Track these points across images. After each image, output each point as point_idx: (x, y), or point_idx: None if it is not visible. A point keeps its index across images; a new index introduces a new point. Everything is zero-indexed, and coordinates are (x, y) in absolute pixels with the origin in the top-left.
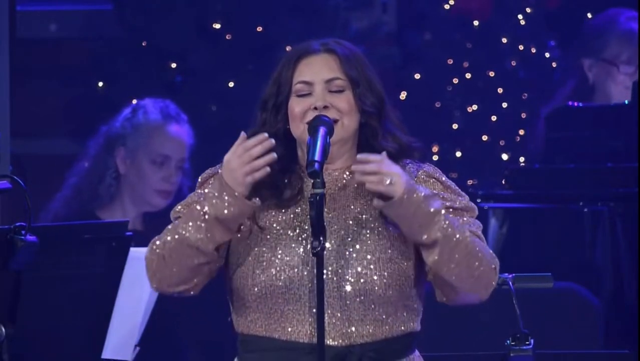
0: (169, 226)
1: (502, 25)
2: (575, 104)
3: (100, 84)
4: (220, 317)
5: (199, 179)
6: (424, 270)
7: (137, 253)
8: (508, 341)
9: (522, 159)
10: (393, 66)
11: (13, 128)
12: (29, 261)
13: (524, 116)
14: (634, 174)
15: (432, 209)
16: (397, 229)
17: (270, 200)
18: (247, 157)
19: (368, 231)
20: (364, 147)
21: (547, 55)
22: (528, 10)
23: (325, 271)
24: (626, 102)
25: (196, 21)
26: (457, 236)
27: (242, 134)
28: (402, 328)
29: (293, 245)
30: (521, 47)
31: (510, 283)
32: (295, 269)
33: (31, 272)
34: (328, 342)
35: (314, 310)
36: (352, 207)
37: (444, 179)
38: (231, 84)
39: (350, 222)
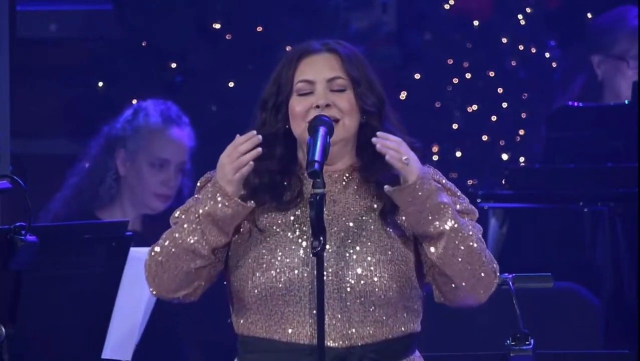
0: (165, 233)
1: (502, 25)
2: (575, 104)
3: (100, 84)
4: (220, 318)
5: (198, 183)
6: (423, 271)
7: (137, 253)
8: (508, 341)
9: (522, 159)
10: (393, 66)
11: (13, 128)
12: (29, 261)
13: (524, 116)
14: (634, 174)
15: (442, 200)
16: (397, 231)
17: (270, 202)
18: (235, 154)
19: (368, 233)
20: (364, 148)
21: (547, 55)
22: (528, 10)
23: (325, 273)
24: (626, 102)
25: (196, 21)
26: (464, 231)
27: (238, 136)
28: (403, 329)
29: (293, 247)
30: (521, 47)
31: (510, 283)
32: (295, 271)
33: (31, 272)
34: (328, 343)
35: (314, 312)
36: (352, 209)
37: (444, 181)
38: (231, 84)
39: (351, 224)
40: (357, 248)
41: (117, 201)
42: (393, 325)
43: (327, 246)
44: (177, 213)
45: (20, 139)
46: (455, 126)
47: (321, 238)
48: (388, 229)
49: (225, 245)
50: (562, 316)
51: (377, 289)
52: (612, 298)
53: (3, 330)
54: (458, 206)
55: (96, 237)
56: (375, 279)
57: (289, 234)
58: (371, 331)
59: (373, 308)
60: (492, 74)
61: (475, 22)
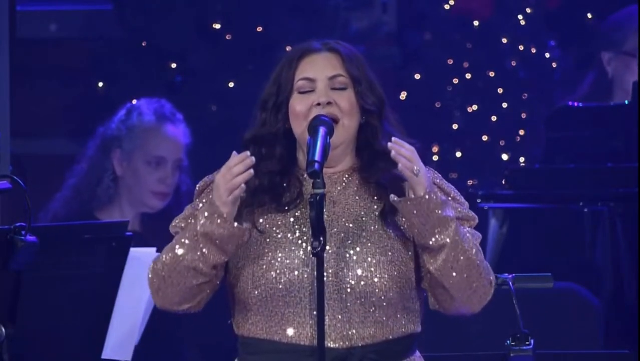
0: (166, 247)
1: (502, 25)
2: (575, 104)
3: (100, 84)
4: (220, 319)
5: (197, 188)
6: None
7: (137, 253)
8: (508, 341)
9: (522, 159)
10: (393, 66)
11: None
12: (29, 261)
13: (524, 116)
14: (634, 174)
15: (447, 215)
16: (397, 231)
17: (270, 203)
18: (229, 175)
19: (368, 234)
20: (364, 149)
21: (547, 55)
22: (528, 10)
23: (325, 274)
24: (626, 102)
25: (196, 21)
26: (464, 245)
27: (234, 154)
28: (403, 329)
29: (293, 248)
30: (521, 47)
31: (510, 283)
32: (296, 272)
33: (31, 272)
34: (329, 344)
35: (315, 312)
36: (352, 210)
37: (445, 185)
38: (231, 84)
39: (351, 225)
40: (357, 249)
41: (115, 201)
42: (393, 325)
43: (327, 247)
44: (176, 222)
45: (20, 139)
46: (455, 126)
47: (321, 238)
48: (388, 230)
49: (225, 261)
50: (562, 316)
51: (377, 290)
52: (612, 298)
53: (3, 330)
54: (458, 213)
55: (96, 237)
56: (376, 280)
57: (289, 235)
58: (371, 332)
59: (373, 308)
60: (492, 74)
61: (475, 22)
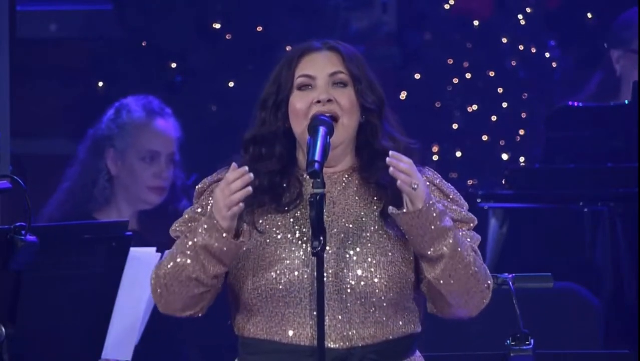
0: (168, 254)
1: (502, 25)
2: (575, 104)
3: (100, 84)
4: (220, 319)
5: (196, 189)
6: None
7: (137, 253)
8: (508, 341)
9: (522, 159)
10: (393, 66)
11: (13, 128)
12: (29, 261)
13: (524, 116)
14: (634, 174)
15: (445, 225)
16: (397, 232)
17: (270, 204)
18: (227, 191)
19: (368, 234)
20: (364, 148)
21: (547, 55)
22: (528, 10)
23: (325, 274)
24: (626, 102)
25: (196, 21)
26: (463, 254)
27: (233, 165)
28: (403, 329)
29: (293, 248)
30: (521, 47)
31: (510, 283)
32: (296, 273)
33: (31, 272)
34: (329, 345)
35: (315, 313)
36: (352, 210)
37: (444, 186)
38: (231, 84)
39: (351, 225)
40: (357, 249)
41: (112, 202)
42: (393, 325)
43: (327, 248)
44: (176, 226)
45: (20, 139)
46: (455, 126)
47: (321, 238)
48: (388, 230)
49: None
50: (562, 316)
51: (377, 291)
52: (612, 298)
53: (3, 330)
54: (457, 215)
55: (96, 237)
56: (376, 280)
57: (289, 235)
58: (371, 332)
59: (373, 309)
60: (492, 74)
61: (475, 22)
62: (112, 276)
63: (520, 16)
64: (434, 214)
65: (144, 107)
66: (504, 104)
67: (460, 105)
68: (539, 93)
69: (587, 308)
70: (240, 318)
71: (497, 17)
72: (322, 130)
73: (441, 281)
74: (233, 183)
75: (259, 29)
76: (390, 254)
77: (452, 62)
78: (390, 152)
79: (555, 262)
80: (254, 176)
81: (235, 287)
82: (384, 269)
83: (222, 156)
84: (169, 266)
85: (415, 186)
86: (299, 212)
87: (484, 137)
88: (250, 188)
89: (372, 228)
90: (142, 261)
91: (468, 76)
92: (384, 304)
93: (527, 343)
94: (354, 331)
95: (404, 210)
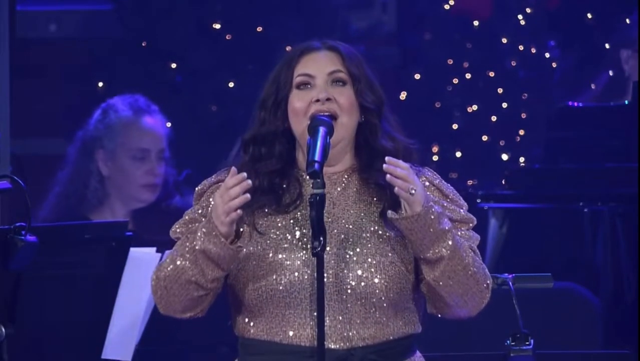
0: (168, 255)
1: (502, 25)
2: (575, 104)
3: (100, 84)
4: (220, 319)
5: (196, 191)
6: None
7: (137, 253)
8: (508, 341)
9: (522, 159)
10: (393, 66)
11: (13, 128)
12: (29, 261)
13: (524, 116)
14: (634, 174)
15: (444, 228)
16: (397, 232)
17: (270, 205)
18: (226, 197)
19: (368, 235)
20: (363, 148)
21: (547, 55)
22: (528, 10)
23: (325, 275)
24: (626, 102)
25: (196, 21)
26: (462, 256)
27: (233, 170)
28: (403, 330)
29: (293, 249)
30: (521, 47)
31: (510, 283)
32: (296, 273)
33: (31, 272)
34: (329, 345)
35: (315, 314)
36: (351, 210)
37: (444, 187)
38: (231, 84)
39: (350, 226)
40: (358, 250)
41: (105, 203)
42: (394, 326)
43: (327, 248)
44: (176, 227)
45: (20, 139)
46: (455, 126)
47: (321, 239)
48: (388, 231)
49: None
50: (562, 316)
51: (377, 291)
52: (612, 297)
53: (3, 330)
54: (456, 215)
55: (96, 237)
56: (376, 280)
57: (289, 236)
58: (372, 333)
59: (374, 309)
60: (492, 74)
61: (475, 22)
62: (112, 276)
63: (520, 16)
64: (433, 217)
65: (130, 106)
66: (504, 104)
67: (460, 105)
68: (539, 93)
69: (587, 308)
70: (241, 319)
71: (497, 17)
72: (322, 130)
73: (440, 283)
74: (232, 189)
75: (259, 29)
76: (390, 254)
77: (452, 62)
78: (387, 158)
79: (555, 262)
80: (254, 177)
81: (236, 288)
82: (384, 269)
83: (222, 156)
84: (169, 268)
85: (413, 192)
86: (299, 213)
87: (484, 138)
88: (248, 195)
89: (372, 228)
90: (142, 261)
91: (468, 76)
92: (384, 304)
93: (527, 343)
94: (355, 332)
95: (403, 214)
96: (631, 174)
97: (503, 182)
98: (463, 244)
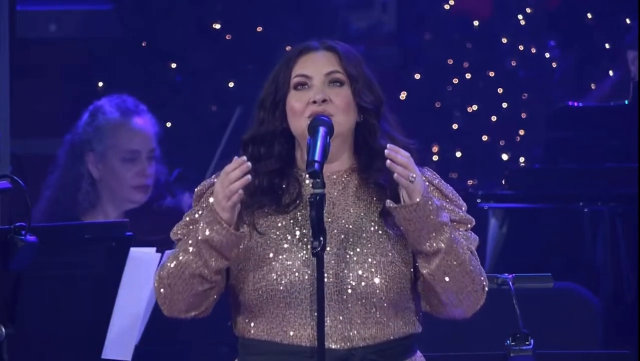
0: (170, 255)
1: (502, 25)
2: (575, 104)
3: (100, 84)
4: (221, 319)
5: (195, 192)
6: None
7: (137, 253)
8: (508, 341)
9: (522, 159)
10: (393, 66)
11: (13, 128)
12: (29, 261)
13: (524, 116)
14: (634, 174)
15: (442, 220)
16: (397, 232)
17: (270, 205)
18: (226, 181)
19: (368, 234)
20: (362, 148)
21: (547, 55)
22: (528, 10)
23: (325, 275)
24: (626, 102)
25: (196, 21)
26: (459, 252)
27: (235, 159)
28: (404, 330)
29: (293, 249)
30: (521, 47)
31: (510, 283)
32: (296, 273)
33: (31, 272)
34: (329, 345)
35: (315, 314)
36: (351, 210)
37: (443, 187)
38: (231, 84)
39: (350, 226)
40: (358, 250)
41: (97, 205)
42: (394, 326)
43: (328, 248)
44: (176, 229)
45: (20, 139)
46: (455, 126)
47: (321, 238)
48: (388, 230)
49: (227, 266)
50: (562, 316)
51: (378, 291)
52: (612, 298)
53: (3, 330)
54: (455, 215)
55: (96, 237)
56: (376, 280)
57: (289, 236)
58: (372, 333)
59: (374, 309)
60: (492, 74)
61: (475, 22)
62: (112, 276)
63: (520, 16)
64: (431, 208)
65: (118, 107)
66: (504, 104)
67: (460, 105)
68: (539, 93)
69: (587, 308)
70: (241, 319)
71: (497, 17)
72: (322, 130)
73: (435, 277)
74: (232, 173)
75: (259, 29)
76: (390, 254)
77: (452, 62)
78: (389, 145)
79: (555, 262)
80: (254, 177)
81: (236, 288)
82: (384, 269)
83: (221, 156)
84: (171, 265)
85: (413, 179)
86: (298, 213)
87: (484, 138)
88: (249, 177)
89: (372, 228)
90: (142, 261)
91: (468, 76)
92: (385, 304)
93: (527, 343)
94: (355, 332)
95: (402, 203)
96: (631, 174)
97: (503, 182)
98: (460, 241)
